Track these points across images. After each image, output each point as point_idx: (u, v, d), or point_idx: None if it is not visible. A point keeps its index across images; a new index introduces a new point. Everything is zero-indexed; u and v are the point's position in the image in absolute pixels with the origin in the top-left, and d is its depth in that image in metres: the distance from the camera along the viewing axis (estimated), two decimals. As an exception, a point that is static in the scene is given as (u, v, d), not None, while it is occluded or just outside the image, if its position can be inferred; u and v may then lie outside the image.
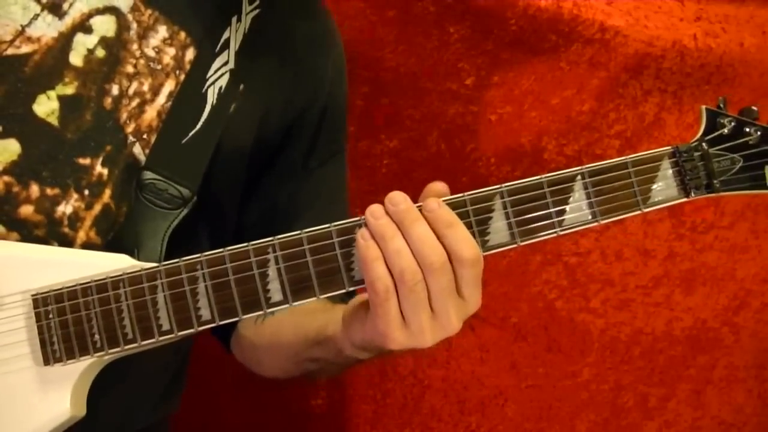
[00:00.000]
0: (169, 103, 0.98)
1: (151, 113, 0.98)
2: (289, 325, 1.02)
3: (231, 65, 1.02)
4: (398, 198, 0.82)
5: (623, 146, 1.47)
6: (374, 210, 0.82)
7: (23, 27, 0.96)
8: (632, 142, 1.47)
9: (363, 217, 0.84)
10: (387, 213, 0.82)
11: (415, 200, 0.83)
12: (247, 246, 0.85)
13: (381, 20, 1.47)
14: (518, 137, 1.49)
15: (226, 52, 1.02)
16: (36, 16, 0.96)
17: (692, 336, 1.53)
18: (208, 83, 1.00)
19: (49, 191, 0.94)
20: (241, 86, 1.02)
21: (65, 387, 0.86)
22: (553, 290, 1.54)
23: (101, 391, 0.89)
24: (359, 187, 1.52)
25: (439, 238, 0.81)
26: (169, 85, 0.99)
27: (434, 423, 1.60)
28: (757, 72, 1.43)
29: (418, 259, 0.80)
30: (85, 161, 0.95)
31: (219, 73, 1.01)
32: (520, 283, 1.54)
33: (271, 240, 0.84)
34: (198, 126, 0.99)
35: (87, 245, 0.94)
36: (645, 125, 1.47)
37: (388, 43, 1.48)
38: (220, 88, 1.01)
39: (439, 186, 0.85)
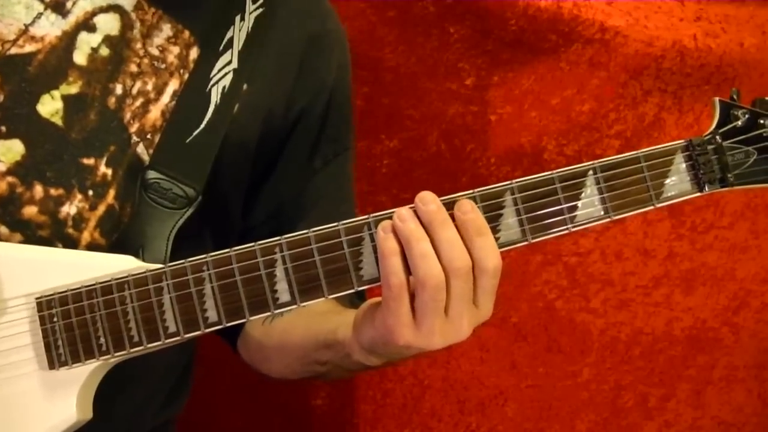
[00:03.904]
0: (173, 103, 0.98)
1: (155, 113, 0.97)
2: (298, 326, 1.01)
3: (234, 65, 1.01)
4: (428, 197, 0.80)
5: (623, 146, 1.47)
6: (402, 213, 0.80)
7: (27, 26, 0.95)
8: (632, 142, 1.47)
9: (371, 215, 0.83)
10: (416, 212, 0.80)
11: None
12: (253, 246, 0.84)
13: (381, 20, 1.46)
14: (518, 137, 1.49)
15: (229, 51, 1.02)
16: (39, 15, 0.96)
17: (692, 336, 1.53)
18: (211, 82, 1.00)
19: (53, 192, 0.93)
20: (245, 86, 1.02)
21: (71, 391, 0.86)
22: (553, 290, 1.53)
23: (107, 393, 0.88)
24: (359, 188, 1.49)
25: (465, 242, 0.80)
26: (173, 85, 0.99)
27: (434, 423, 1.59)
28: (757, 72, 1.43)
29: (444, 262, 0.79)
30: (90, 161, 0.94)
31: (222, 72, 1.01)
32: (520, 283, 1.53)
33: (279, 239, 0.83)
34: (202, 125, 0.99)
35: (91, 246, 0.94)
36: (645, 125, 1.46)
37: (388, 43, 1.47)
38: (224, 87, 1.00)
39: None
